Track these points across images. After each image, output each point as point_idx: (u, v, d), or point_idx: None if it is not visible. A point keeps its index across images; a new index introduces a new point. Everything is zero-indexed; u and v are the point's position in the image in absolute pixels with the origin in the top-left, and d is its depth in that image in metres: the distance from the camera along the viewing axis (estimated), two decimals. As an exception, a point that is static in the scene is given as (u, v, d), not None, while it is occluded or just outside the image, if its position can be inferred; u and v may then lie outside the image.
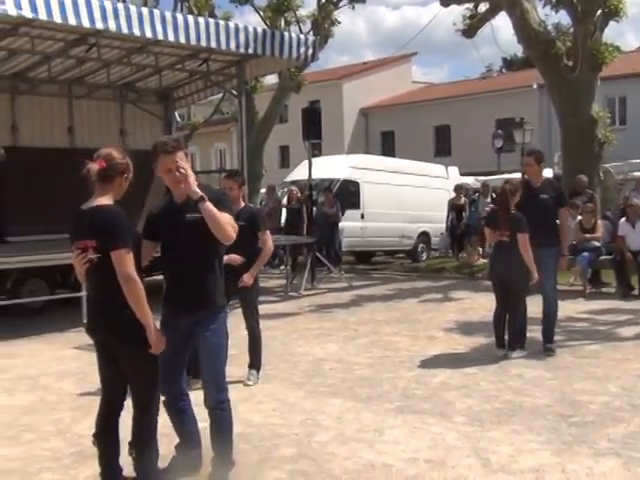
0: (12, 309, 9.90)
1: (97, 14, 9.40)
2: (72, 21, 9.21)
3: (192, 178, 3.84)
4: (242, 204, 6.36)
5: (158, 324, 3.82)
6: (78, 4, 9.22)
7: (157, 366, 3.78)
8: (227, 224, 3.85)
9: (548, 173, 19.01)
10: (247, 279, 6.08)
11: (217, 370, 4.01)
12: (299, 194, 15.38)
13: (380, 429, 5.06)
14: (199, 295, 3.94)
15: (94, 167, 3.68)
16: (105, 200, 3.70)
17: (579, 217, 11.78)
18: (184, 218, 3.87)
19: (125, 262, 3.56)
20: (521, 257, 6.88)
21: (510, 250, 6.93)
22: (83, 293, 9.26)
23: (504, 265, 7.07)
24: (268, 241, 6.31)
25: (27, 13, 8.79)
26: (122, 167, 3.77)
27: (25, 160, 12.04)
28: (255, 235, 6.21)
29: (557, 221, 7.43)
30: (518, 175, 17.71)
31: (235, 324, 6.68)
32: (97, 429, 3.89)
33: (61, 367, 7.27)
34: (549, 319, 7.37)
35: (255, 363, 6.51)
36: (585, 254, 11.17)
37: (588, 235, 11.52)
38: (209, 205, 3.78)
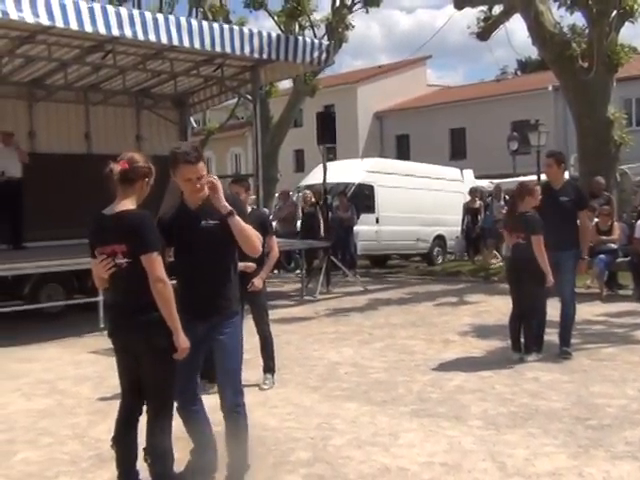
0: (30, 314, 9.99)
1: (113, 21, 9.49)
2: (89, 28, 9.30)
3: (221, 192, 3.89)
4: (249, 209, 6.42)
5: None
6: (94, 11, 9.31)
7: (175, 370, 3.82)
8: (255, 236, 3.95)
9: (565, 175, 19.00)
10: (257, 283, 6.14)
11: (233, 373, 4.03)
12: (313, 198, 15.41)
13: (395, 433, 5.06)
14: (214, 301, 3.97)
15: (117, 167, 3.71)
16: (129, 204, 3.73)
17: (595, 219, 11.71)
18: (199, 225, 3.90)
19: (156, 265, 3.62)
20: (536, 259, 6.86)
21: (526, 252, 6.92)
22: (100, 298, 9.36)
23: (520, 267, 7.06)
24: (275, 246, 6.40)
25: (44, 20, 8.89)
26: (144, 171, 3.80)
27: (43, 166, 12.16)
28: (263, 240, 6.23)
29: (578, 223, 7.38)
30: (534, 177, 17.70)
31: (248, 329, 6.72)
32: (116, 433, 3.93)
33: (78, 371, 7.33)
34: (566, 322, 7.33)
35: (269, 366, 6.53)
36: (602, 256, 11.11)
37: (605, 237, 11.45)
38: (238, 219, 3.85)
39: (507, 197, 13.90)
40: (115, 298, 3.86)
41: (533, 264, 6.88)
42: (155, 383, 3.79)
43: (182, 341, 3.70)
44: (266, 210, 14.61)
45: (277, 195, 19.21)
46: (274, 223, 15.02)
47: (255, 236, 3.96)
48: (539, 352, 7.20)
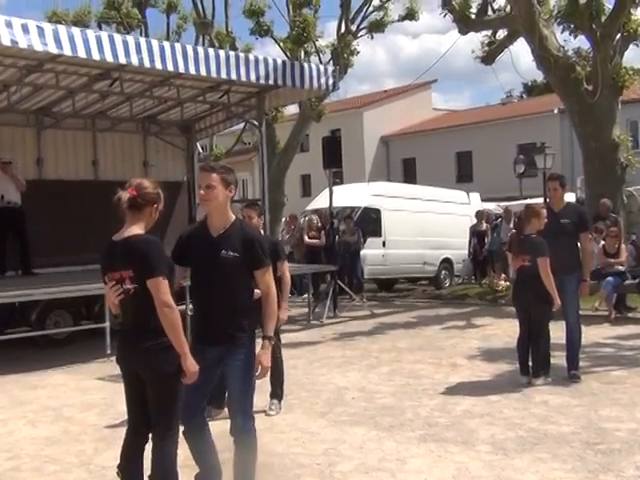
0: (37, 340, 10.00)
1: (120, 49, 9.58)
2: (96, 56, 9.39)
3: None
4: (262, 233, 6.41)
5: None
6: (102, 40, 9.41)
7: (180, 397, 3.81)
8: (275, 313, 4.12)
9: (571, 197, 18.99)
10: (283, 315, 6.10)
11: (244, 398, 4.03)
12: (319, 223, 15.44)
13: (403, 458, 5.02)
14: (228, 329, 3.96)
15: (125, 195, 3.74)
16: (137, 230, 3.76)
17: (602, 242, 11.68)
18: (219, 254, 3.92)
19: (162, 289, 3.62)
20: (542, 282, 6.84)
21: (532, 275, 6.90)
22: (107, 324, 9.36)
23: (527, 290, 7.03)
24: (286, 271, 6.41)
25: (52, 49, 9.00)
26: (153, 197, 3.83)
27: (51, 193, 12.24)
28: (275, 265, 6.23)
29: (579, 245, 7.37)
30: (540, 200, 17.68)
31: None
32: (122, 460, 3.91)
33: (85, 398, 7.31)
34: (573, 346, 7.28)
35: (277, 393, 6.49)
36: (610, 279, 11.07)
37: (612, 260, 11.42)
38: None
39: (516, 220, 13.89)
40: (124, 323, 3.87)
41: (540, 287, 6.85)
42: (160, 409, 3.78)
43: (190, 365, 3.69)
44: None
45: (284, 220, 19.27)
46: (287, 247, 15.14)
47: (275, 313, 4.11)
48: (547, 375, 7.15)
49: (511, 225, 15.54)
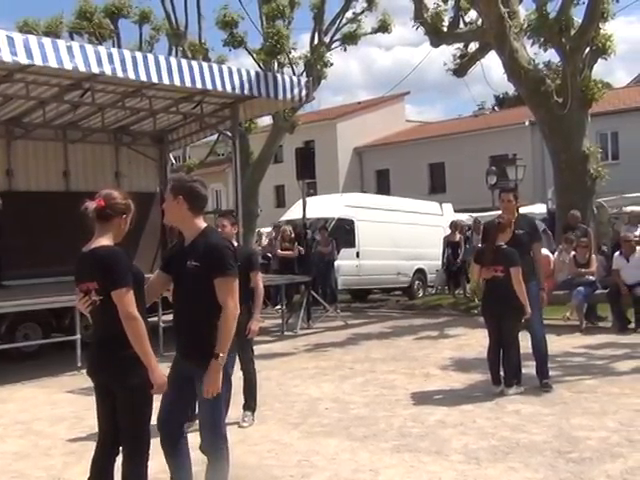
0: (6, 353, 9.84)
1: (92, 59, 9.53)
2: (68, 66, 9.32)
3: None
4: (235, 244, 6.38)
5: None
6: (72, 50, 9.35)
7: (151, 409, 3.76)
8: (231, 330, 3.81)
9: (541, 208, 19.20)
10: (254, 327, 6.18)
11: (213, 415, 3.92)
12: (292, 234, 15.45)
13: (376, 469, 5.01)
14: (196, 344, 3.86)
15: (92, 205, 3.71)
16: (104, 241, 3.72)
17: (573, 252, 11.81)
18: (185, 263, 3.85)
19: (126, 301, 3.58)
20: (514, 292, 6.89)
21: (503, 285, 6.95)
22: (77, 336, 9.26)
23: (499, 300, 7.08)
24: (260, 282, 6.44)
25: (22, 59, 8.91)
26: (121, 208, 3.79)
27: (21, 204, 12.09)
28: (248, 275, 6.23)
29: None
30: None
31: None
32: (91, 475, 3.85)
33: (55, 411, 7.20)
34: (541, 355, 7.36)
35: (250, 404, 6.47)
36: (580, 289, 11.18)
37: (583, 270, 11.54)
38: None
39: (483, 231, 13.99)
40: (93, 335, 3.85)
41: (511, 297, 6.91)
42: (129, 422, 3.74)
43: (157, 377, 3.65)
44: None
45: (263, 230, 19.27)
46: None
47: (232, 328, 3.82)
48: (519, 385, 7.19)
49: (480, 236, 15.66)
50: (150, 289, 3.99)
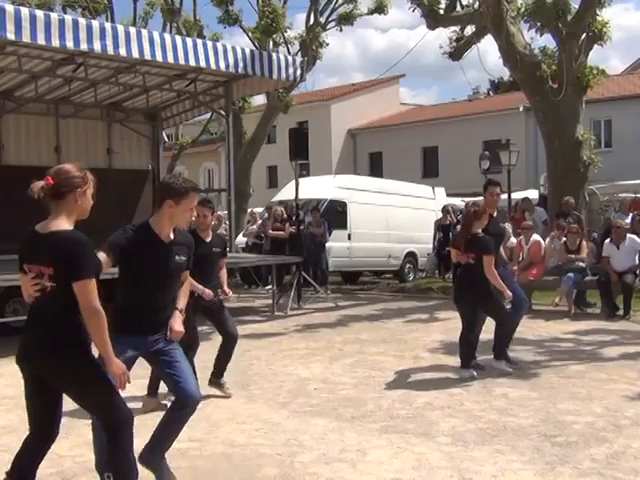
0: (-4, 327, 9.81)
1: (83, 35, 9.43)
2: (56, 43, 9.22)
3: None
4: (210, 234, 6.50)
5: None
6: (65, 24, 9.26)
7: (103, 390, 3.60)
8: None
9: (534, 194, 19.23)
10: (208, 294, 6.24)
11: (192, 372, 4.49)
12: (284, 214, 15.43)
13: (363, 449, 5.03)
14: (164, 321, 4.21)
15: (37, 185, 3.45)
16: (63, 222, 3.47)
17: (564, 238, 11.84)
18: (172, 259, 4.14)
19: (90, 293, 3.37)
20: (483, 279, 6.96)
21: (477, 272, 7.00)
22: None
23: (471, 288, 7.11)
24: (224, 265, 6.77)
25: (11, 35, 8.80)
26: (75, 182, 3.49)
27: (11, 178, 11.99)
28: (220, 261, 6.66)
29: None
30: (505, 196, 17.87)
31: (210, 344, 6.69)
32: (13, 468, 3.73)
33: (43, 387, 7.18)
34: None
35: (224, 371, 6.60)
36: (570, 275, 11.22)
37: (573, 256, 11.57)
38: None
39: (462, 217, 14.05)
40: (33, 318, 3.63)
41: (484, 285, 6.99)
42: (86, 406, 3.68)
43: (116, 367, 3.54)
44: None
45: (256, 210, 19.24)
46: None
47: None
48: (508, 361, 7.34)
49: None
50: None
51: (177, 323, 4.22)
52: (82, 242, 3.42)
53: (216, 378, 6.57)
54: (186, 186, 4.08)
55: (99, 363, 3.59)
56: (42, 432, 3.74)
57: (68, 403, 6.18)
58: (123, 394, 3.72)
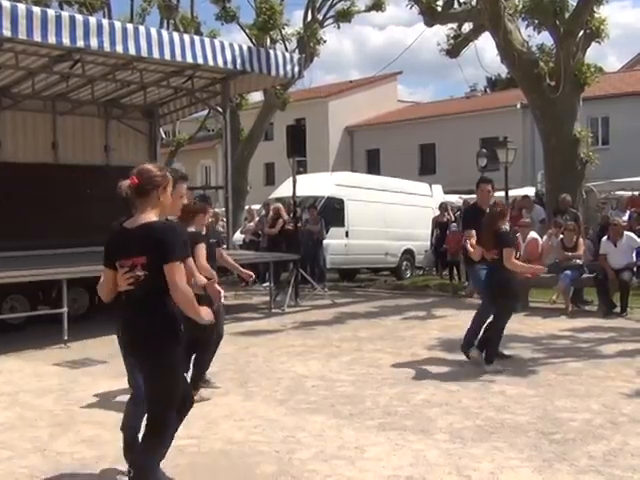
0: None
1: (80, 31, 9.40)
2: (52, 39, 9.19)
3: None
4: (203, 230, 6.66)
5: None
6: (62, 21, 9.23)
7: (174, 390, 3.84)
8: None
9: (530, 192, 19.24)
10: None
11: None
12: (281, 213, 15.45)
13: (361, 446, 5.04)
14: None
15: (125, 184, 3.79)
16: (151, 216, 3.75)
17: (561, 235, 11.85)
18: None
19: (180, 274, 3.66)
20: (506, 272, 7.23)
21: (500, 266, 7.27)
22: (64, 310, 9.23)
23: (496, 282, 7.35)
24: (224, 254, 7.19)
25: (7, 32, 8.77)
26: (158, 180, 3.80)
27: (8, 175, 11.98)
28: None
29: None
30: (502, 194, 17.89)
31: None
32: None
33: (41, 384, 7.18)
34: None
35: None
36: (567, 272, 11.21)
37: (570, 253, 11.58)
38: None
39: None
40: (127, 310, 3.85)
41: (505, 278, 7.28)
42: (151, 398, 3.86)
43: (206, 312, 3.86)
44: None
45: (253, 207, 19.24)
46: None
47: None
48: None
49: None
50: None
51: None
52: (172, 228, 3.78)
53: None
54: (175, 176, 4.19)
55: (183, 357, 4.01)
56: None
57: (62, 402, 6.18)
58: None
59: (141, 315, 3.75)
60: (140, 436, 4.00)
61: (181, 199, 4.34)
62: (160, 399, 3.81)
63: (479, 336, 7.55)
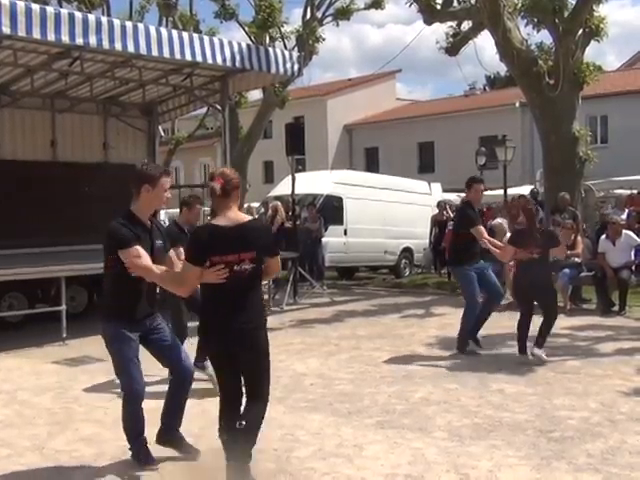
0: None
1: (79, 29, 9.36)
2: (51, 37, 9.16)
3: None
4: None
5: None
6: (61, 18, 9.19)
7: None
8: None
9: (528, 190, 19.25)
10: None
11: None
12: (278, 211, 15.44)
13: (360, 444, 5.04)
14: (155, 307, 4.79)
15: (217, 185, 4.08)
16: (240, 213, 4.19)
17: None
18: (155, 243, 4.60)
19: (279, 262, 4.39)
20: (546, 272, 7.65)
21: (539, 266, 7.52)
22: (63, 307, 9.23)
23: (535, 281, 7.54)
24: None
25: (6, 29, 8.75)
26: (236, 182, 4.20)
27: (7, 173, 11.96)
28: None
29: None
30: (500, 192, 17.91)
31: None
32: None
33: (39, 382, 7.19)
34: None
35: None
36: (566, 270, 11.23)
37: (568, 252, 11.57)
38: None
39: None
40: (224, 303, 4.04)
41: (544, 277, 7.66)
42: (258, 382, 4.28)
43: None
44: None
45: (254, 205, 19.23)
46: None
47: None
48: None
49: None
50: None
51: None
52: (269, 226, 4.29)
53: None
54: (159, 170, 4.60)
55: None
56: (237, 397, 4.34)
57: (61, 400, 6.19)
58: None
59: (246, 307, 4.07)
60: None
61: (166, 192, 4.58)
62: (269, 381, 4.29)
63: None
